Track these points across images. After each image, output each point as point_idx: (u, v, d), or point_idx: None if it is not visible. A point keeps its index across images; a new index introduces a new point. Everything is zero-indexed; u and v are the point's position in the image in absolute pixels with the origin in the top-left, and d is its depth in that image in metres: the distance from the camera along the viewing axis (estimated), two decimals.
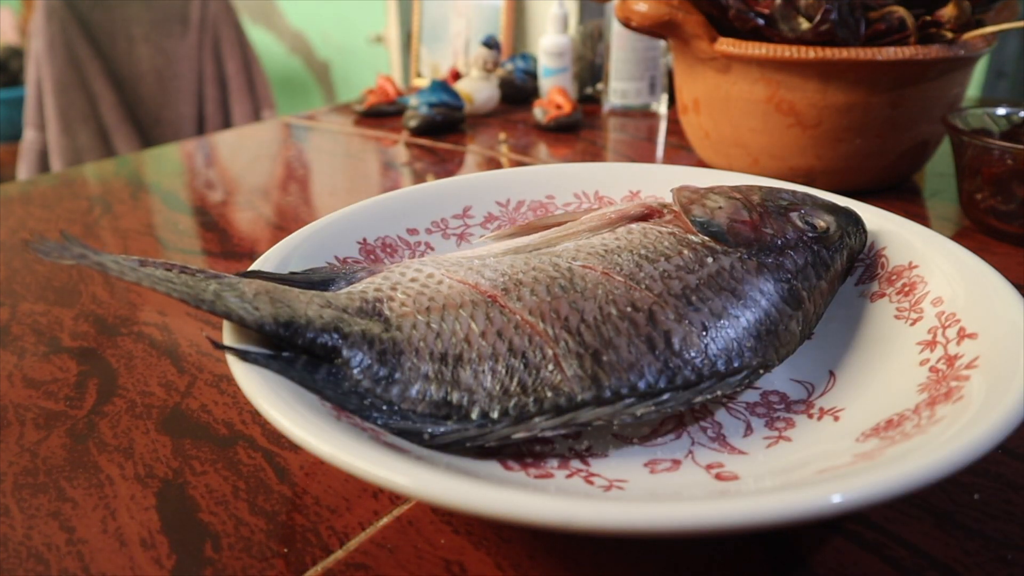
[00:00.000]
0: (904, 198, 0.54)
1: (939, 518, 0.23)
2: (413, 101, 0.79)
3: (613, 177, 0.40)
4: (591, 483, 0.23)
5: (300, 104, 2.18)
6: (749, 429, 0.26)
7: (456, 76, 0.95)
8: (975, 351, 0.24)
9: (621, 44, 0.82)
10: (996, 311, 0.24)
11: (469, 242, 0.37)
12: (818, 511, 0.16)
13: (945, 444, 0.18)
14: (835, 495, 0.16)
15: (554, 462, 0.24)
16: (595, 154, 0.70)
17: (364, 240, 0.34)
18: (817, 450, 0.23)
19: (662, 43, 0.82)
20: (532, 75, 0.94)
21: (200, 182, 0.68)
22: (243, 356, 0.22)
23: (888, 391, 0.25)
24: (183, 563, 0.23)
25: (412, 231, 0.36)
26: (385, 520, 0.24)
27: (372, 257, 0.34)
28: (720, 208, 0.30)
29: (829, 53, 0.46)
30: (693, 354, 0.25)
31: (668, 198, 0.33)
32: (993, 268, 0.27)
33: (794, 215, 0.30)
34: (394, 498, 0.25)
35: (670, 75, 0.81)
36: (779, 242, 0.29)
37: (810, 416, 0.26)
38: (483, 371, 0.24)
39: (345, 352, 0.23)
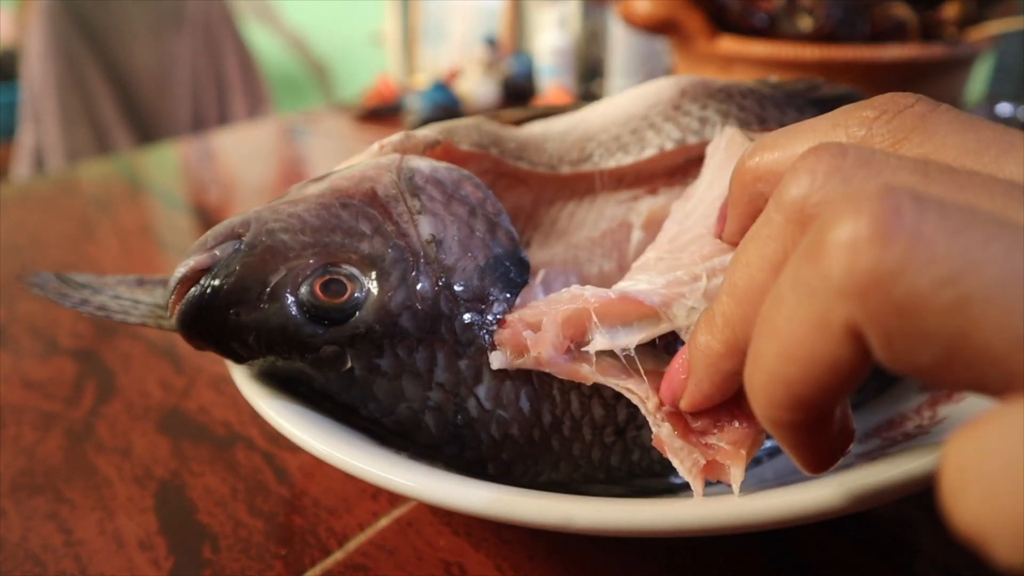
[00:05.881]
0: None
1: (941, 518, 0.23)
2: (412, 100, 0.79)
3: None
4: None
5: (299, 103, 2.18)
6: None
7: (455, 75, 0.95)
8: None
9: (621, 43, 0.81)
10: None
11: None
12: (819, 512, 0.16)
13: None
14: (837, 496, 0.16)
15: None
16: None
17: None
18: None
19: (663, 41, 0.82)
20: (531, 74, 0.94)
21: (198, 181, 0.68)
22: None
23: (889, 391, 0.25)
24: (181, 564, 0.22)
25: None
26: (384, 521, 0.24)
27: None
28: None
29: (831, 52, 0.45)
30: None
31: None
32: None
33: None
34: (393, 499, 0.25)
35: (671, 73, 0.81)
36: None
37: None
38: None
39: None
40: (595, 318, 0.18)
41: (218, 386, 0.32)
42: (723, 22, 0.51)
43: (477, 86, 0.85)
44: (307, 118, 0.89)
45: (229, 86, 1.60)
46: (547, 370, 0.19)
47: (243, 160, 0.74)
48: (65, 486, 0.26)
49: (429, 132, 0.24)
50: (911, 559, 0.21)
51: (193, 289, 0.19)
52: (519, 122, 0.27)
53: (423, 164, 0.22)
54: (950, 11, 0.45)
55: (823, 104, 0.27)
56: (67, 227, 0.55)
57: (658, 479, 0.21)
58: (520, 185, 0.25)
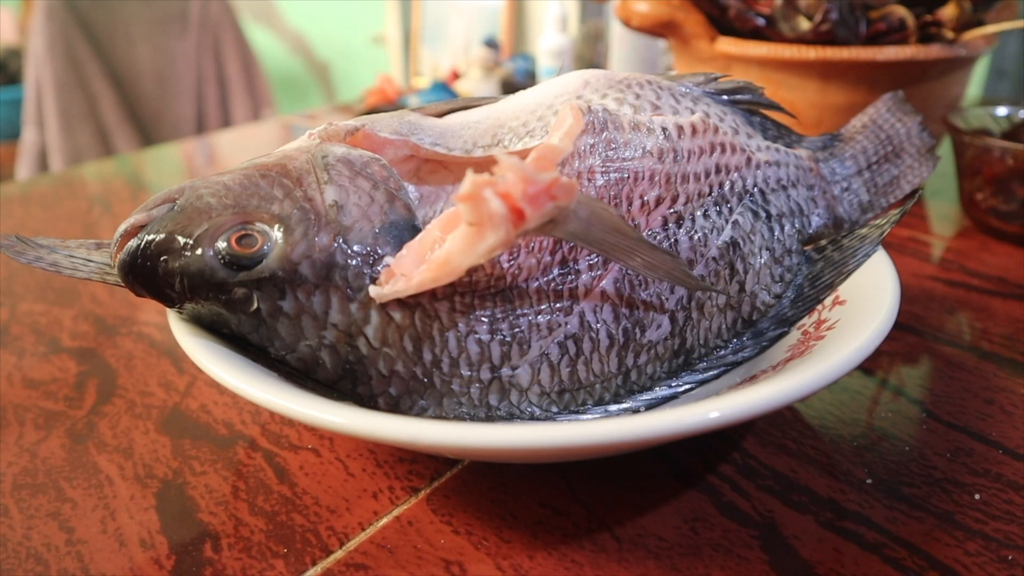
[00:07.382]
0: (904, 198, 0.54)
1: (940, 518, 0.23)
2: (413, 101, 0.79)
3: None
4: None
5: (300, 104, 2.18)
6: None
7: (456, 76, 0.95)
8: (840, 314, 0.25)
9: (621, 44, 0.82)
10: (869, 282, 0.26)
11: None
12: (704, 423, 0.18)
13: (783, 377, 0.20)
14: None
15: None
16: None
17: None
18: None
19: (662, 43, 0.82)
20: (532, 75, 0.94)
21: None
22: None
23: (761, 358, 0.27)
24: (182, 563, 0.23)
25: None
26: (385, 520, 0.24)
27: None
28: None
29: (829, 53, 0.46)
30: None
31: None
32: (887, 255, 0.28)
33: None
34: (394, 499, 0.25)
35: None
36: None
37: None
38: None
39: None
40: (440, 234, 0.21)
41: (219, 386, 0.32)
42: (722, 23, 0.51)
43: (478, 87, 0.85)
44: (308, 118, 0.89)
45: (231, 89, 1.60)
46: (415, 286, 0.21)
47: (245, 159, 0.74)
48: (67, 485, 0.26)
49: (352, 121, 0.27)
50: (912, 559, 0.22)
51: (131, 241, 0.23)
52: (442, 114, 0.29)
53: (338, 148, 0.25)
54: (947, 13, 0.46)
55: (719, 95, 0.30)
56: (69, 227, 0.56)
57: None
58: (443, 169, 0.28)
